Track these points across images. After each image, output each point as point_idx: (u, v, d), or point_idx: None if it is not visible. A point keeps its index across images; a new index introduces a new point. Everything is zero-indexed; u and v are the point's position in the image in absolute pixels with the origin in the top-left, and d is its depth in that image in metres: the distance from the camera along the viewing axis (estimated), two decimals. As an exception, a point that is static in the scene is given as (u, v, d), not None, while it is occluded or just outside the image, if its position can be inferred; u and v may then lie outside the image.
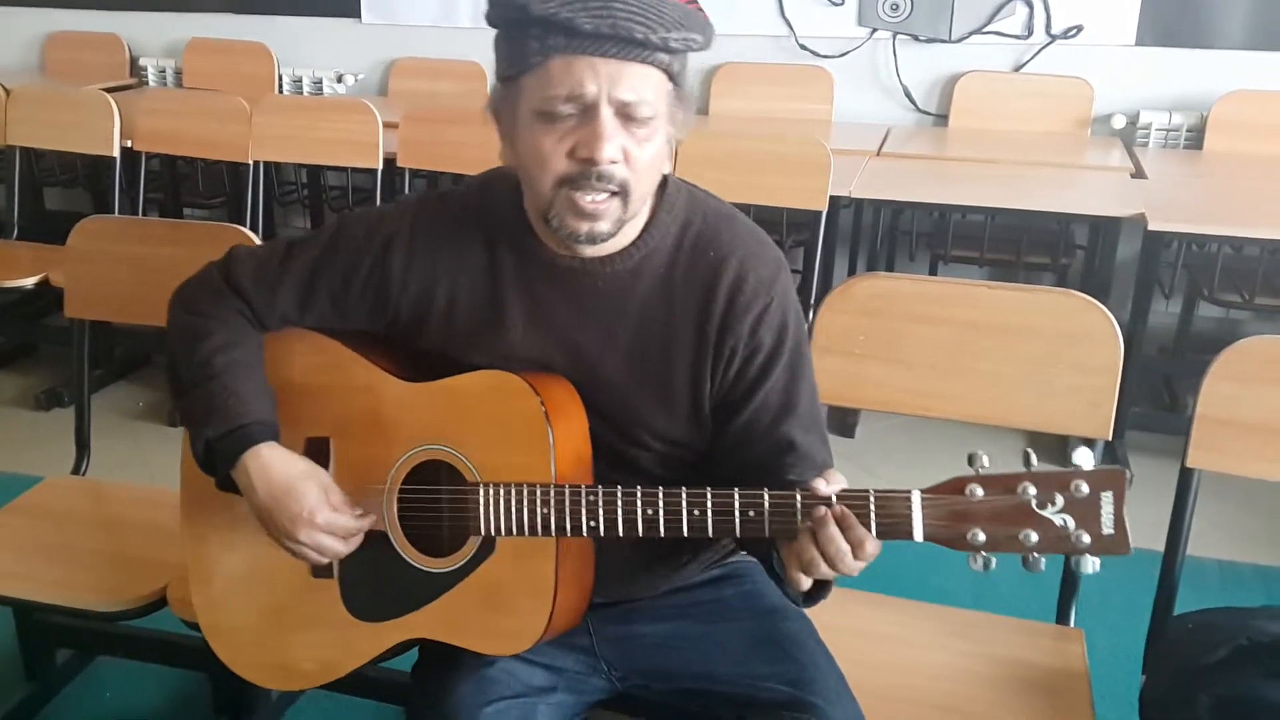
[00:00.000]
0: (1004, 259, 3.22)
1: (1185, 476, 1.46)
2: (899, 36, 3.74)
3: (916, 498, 1.04)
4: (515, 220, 1.22)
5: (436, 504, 1.22)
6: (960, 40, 3.69)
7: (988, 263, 3.28)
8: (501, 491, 1.16)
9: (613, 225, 1.13)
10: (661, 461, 1.26)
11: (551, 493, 1.14)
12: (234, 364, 1.25)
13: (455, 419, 1.21)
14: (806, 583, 1.09)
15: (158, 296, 1.35)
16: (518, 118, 1.12)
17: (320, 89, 4.21)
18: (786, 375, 1.23)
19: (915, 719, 1.36)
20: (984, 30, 3.66)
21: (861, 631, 1.50)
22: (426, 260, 1.24)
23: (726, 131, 3.48)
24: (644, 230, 1.21)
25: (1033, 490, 1.01)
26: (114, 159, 3.27)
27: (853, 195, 2.93)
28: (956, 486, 1.03)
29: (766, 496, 1.08)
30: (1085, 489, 1.00)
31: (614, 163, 1.08)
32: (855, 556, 1.05)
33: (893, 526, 1.05)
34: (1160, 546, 1.50)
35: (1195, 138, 3.49)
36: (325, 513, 1.20)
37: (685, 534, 1.11)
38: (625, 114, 1.08)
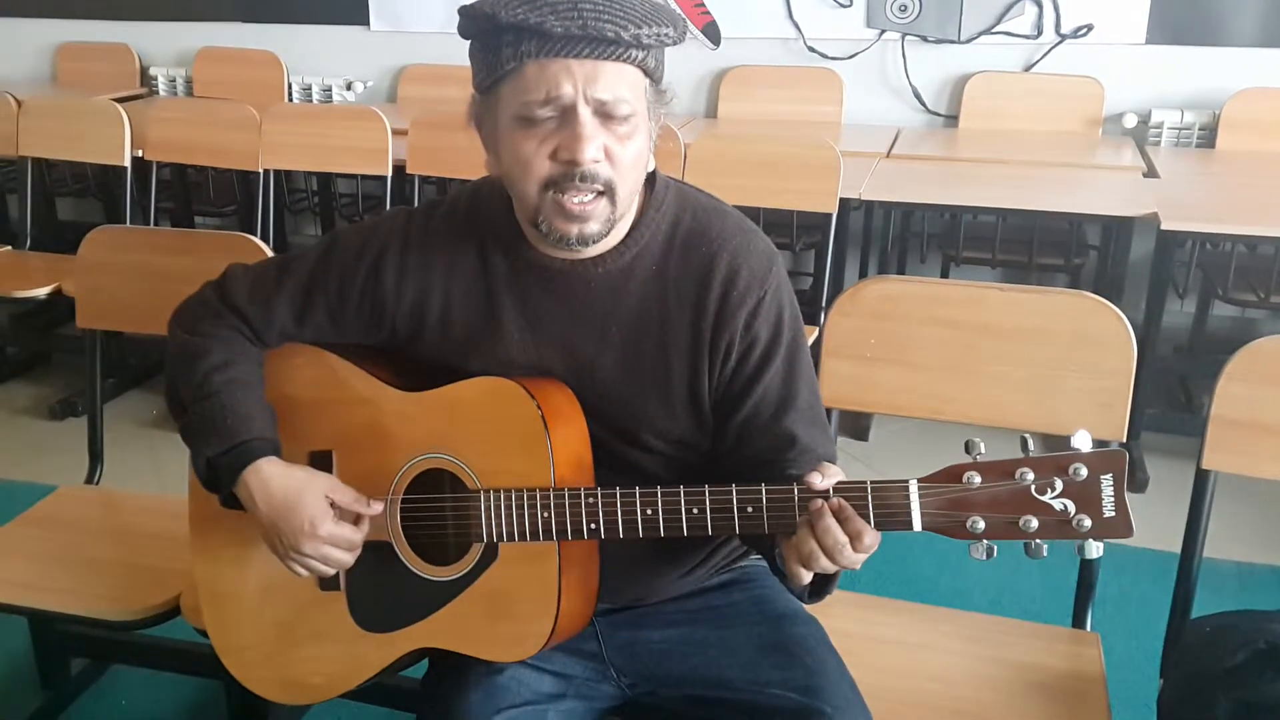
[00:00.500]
0: (1016, 260, 3.20)
1: (1201, 478, 1.45)
2: (908, 37, 3.73)
3: (913, 487, 1.03)
4: (506, 226, 1.22)
5: (439, 513, 1.22)
6: (969, 40, 3.68)
7: (999, 264, 3.26)
8: (501, 497, 1.16)
9: (602, 225, 1.13)
10: (665, 464, 1.26)
11: (551, 496, 1.14)
12: (232, 382, 1.26)
13: (454, 427, 1.21)
14: (807, 576, 1.09)
15: (168, 306, 1.36)
16: (499, 126, 1.13)
17: (329, 97, 4.22)
18: (785, 368, 1.23)
19: (930, 725, 1.35)
20: (993, 30, 3.64)
21: (875, 636, 1.49)
22: (420, 271, 1.24)
23: (736, 135, 3.47)
24: (633, 228, 1.21)
25: (1031, 475, 1.00)
26: (125, 168, 3.28)
27: (863, 197, 2.92)
28: (954, 474, 1.03)
29: (764, 492, 1.08)
30: (1084, 472, 0.99)
31: (596, 162, 1.09)
32: (854, 548, 1.04)
33: (890, 517, 1.04)
34: (1177, 549, 1.49)
35: (1208, 136, 3.46)
36: (327, 524, 1.20)
37: (685, 533, 1.11)
38: (604, 113, 1.08)
